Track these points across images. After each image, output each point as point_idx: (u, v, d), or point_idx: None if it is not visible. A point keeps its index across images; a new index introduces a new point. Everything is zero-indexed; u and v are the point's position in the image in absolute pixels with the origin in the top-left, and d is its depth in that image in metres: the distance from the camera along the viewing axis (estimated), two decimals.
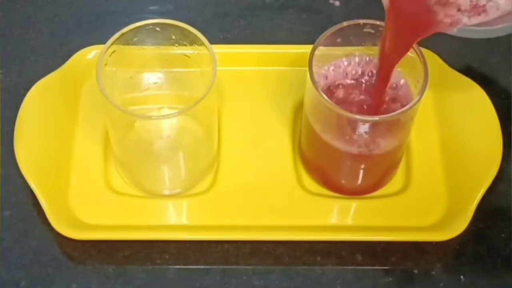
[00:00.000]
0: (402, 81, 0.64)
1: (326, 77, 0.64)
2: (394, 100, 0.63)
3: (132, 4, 0.79)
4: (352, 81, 0.64)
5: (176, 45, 0.64)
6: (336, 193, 0.68)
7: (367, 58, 0.64)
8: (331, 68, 0.64)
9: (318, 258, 0.65)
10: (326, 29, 0.63)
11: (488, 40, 0.77)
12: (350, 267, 0.65)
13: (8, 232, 0.66)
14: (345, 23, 0.63)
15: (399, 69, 0.63)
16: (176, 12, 0.78)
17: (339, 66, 0.64)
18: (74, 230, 0.64)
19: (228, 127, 0.70)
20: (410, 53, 0.63)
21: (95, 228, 0.65)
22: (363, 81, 0.64)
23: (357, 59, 0.64)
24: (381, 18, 0.64)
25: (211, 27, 0.76)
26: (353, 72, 0.64)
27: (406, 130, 0.64)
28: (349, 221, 0.67)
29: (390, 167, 0.68)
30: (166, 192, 0.67)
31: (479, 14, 0.54)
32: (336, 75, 0.64)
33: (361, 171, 0.66)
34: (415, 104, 0.61)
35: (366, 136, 0.62)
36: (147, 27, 0.63)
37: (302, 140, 0.69)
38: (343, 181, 0.68)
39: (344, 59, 0.64)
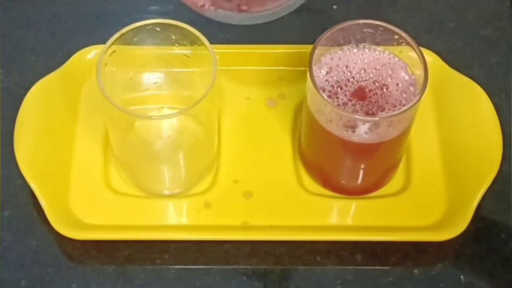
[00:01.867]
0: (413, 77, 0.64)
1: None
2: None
3: (132, 4, 0.79)
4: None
5: (176, 45, 0.64)
6: (336, 193, 0.68)
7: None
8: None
9: (318, 258, 0.65)
10: (326, 29, 0.63)
11: (488, 40, 0.77)
12: (350, 267, 0.65)
13: (8, 232, 0.66)
14: (345, 23, 0.63)
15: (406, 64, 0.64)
16: (176, 12, 0.78)
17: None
18: (74, 230, 0.64)
19: (228, 127, 0.70)
20: (410, 53, 0.63)
21: (95, 228, 0.65)
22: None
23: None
24: (381, 18, 0.64)
25: (211, 27, 0.75)
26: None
27: (406, 130, 0.64)
28: (349, 221, 0.67)
29: (390, 166, 0.68)
30: (166, 192, 0.67)
31: None
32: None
33: (361, 171, 0.66)
34: (415, 104, 0.61)
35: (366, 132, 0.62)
36: (147, 27, 0.63)
37: (302, 140, 0.69)
38: (343, 181, 0.68)
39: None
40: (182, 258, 0.65)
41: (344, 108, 0.62)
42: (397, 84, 0.64)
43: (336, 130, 0.62)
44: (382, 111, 0.62)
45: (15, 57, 0.75)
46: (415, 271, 0.65)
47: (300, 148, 0.69)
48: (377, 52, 0.65)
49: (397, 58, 0.64)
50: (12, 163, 0.66)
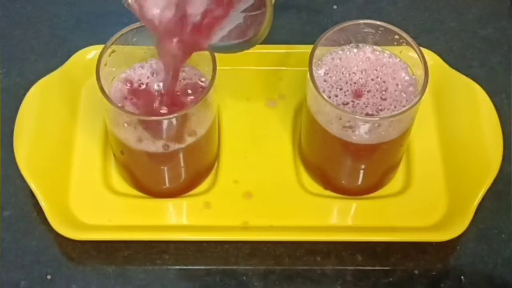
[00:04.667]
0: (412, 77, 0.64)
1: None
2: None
3: None
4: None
5: None
6: (336, 193, 0.68)
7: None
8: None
9: (318, 259, 0.65)
10: (326, 29, 0.63)
11: (489, 40, 0.77)
12: (350, 268, 0.65)
13: (8, 232, 0.66)
14: (345, 23, 0.63)
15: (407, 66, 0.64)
16: None
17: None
18: (73, 231, 0.64)
19: (228, 127, 0.70)
20: (410, 53, 0.63)
21: (95, 229, 0.65)
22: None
23: None
24: (381, 18, 0.64)
25: None
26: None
27: (406, 130, 0.64)
28: (349, 222, 0.67)
29: (391, 167, 0.67)
30: (166, 192, 0.67)
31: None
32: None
33: (361, 171, 0.66)
34: (415, 104, 0.61)
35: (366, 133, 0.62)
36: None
37: (302, 140, 0.69)
38: (343, 182, 0.67)
39: None
40: (182, 258, 0.65)
41: (344, 108, 0.62)
42: (397, 84, 0.63)
43: (336, 130, 0.62)
44: (382, 111, 0.62)
45: (15, 57, 0.75)
46: (416, 271, 0.65)
47: (300, 149, 0.69)
48: (377, 52, 0.65)
49: (397, 59, 0.64)
50: (12, 163, 0.66)
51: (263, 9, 0.57)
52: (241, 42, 0.59)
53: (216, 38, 0.60)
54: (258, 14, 0.58)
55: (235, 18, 0.60)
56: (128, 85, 0.64)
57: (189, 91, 0.64)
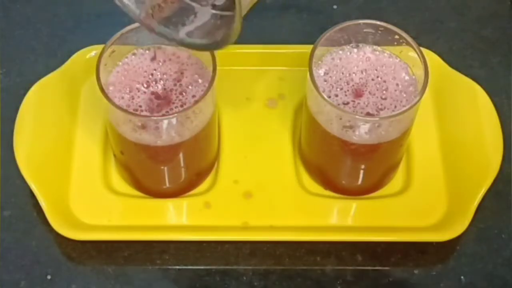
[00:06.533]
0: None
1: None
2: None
3: None
4: None
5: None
6: (336, 193, 0.68)
7: None
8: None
9: (318, 259, 0.65)
10: (326, 29, 0.63)
11: (489, 40, 0.77)
12: (350, 268, 0.65)
13: (8, 232, 0.66)
14: (345, 23, 0.63)
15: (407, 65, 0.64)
16: None
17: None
18: (73, 231, 0.64)
19: (228, 127, 0.70)
20: (410, 53, 0.63)
21: (95, 229, 0.65)
22: None
23: None
24: (381, 18, 0.64)
25: None
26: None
27: (406, 130, 0.64)
28: (349, 222, 0.67)
29: (391, 167, 0.67)
30: (166, 192, 0.67)
31: None
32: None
33: (362, 171, 0.66)
34: (415, 104, 0.61)
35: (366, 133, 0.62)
36: None
37: (302, 140, 0.69)
38: (343, 182, 0.68)
39: None
40: (182, 258, 0.65)
41: (344, 108, 0.62)
42: (397, 84, 0.63)
43: (336, 130, 0.62)
44: (382, 111, 0.62)
45: (15, 57, 0.75)
46: (416, 271, 0.65)
47: (300, 149, 0.69)
48: (377, 52, 0.65)
49: (397, 59, 0.64)
50: (12, 163, 0.66)
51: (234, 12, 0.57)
52: (207, 43, 0.59)
53: (182, 32, 0.60)
54: (230, 16, 0.58)
55: (204, 14, 0.59)
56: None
57: (189, 91, 0.64)
